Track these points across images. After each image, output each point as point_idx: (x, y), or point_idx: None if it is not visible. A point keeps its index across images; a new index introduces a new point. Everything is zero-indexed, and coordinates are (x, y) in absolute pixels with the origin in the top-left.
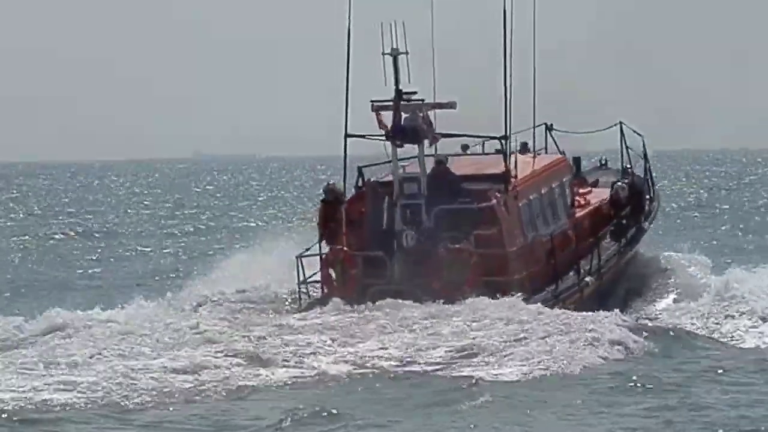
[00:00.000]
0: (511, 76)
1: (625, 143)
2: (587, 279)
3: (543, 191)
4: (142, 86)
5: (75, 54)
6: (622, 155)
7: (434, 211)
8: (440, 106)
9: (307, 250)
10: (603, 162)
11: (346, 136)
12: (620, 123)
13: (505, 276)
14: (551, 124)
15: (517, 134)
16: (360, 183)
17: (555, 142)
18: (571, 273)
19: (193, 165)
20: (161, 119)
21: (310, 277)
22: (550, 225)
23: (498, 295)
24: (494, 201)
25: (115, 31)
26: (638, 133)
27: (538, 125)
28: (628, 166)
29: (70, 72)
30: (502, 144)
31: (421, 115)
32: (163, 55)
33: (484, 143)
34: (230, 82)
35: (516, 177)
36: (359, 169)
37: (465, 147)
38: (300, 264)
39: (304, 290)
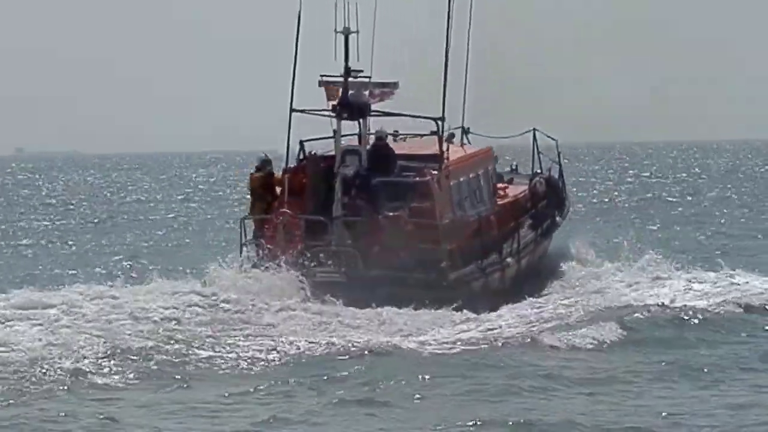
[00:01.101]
0: (447, 60)
1: (537, 149)
2: (508, 260)
3: (471, 175)
4: (142, 86)
5: (75, 54)
6: (533, 160)
7: (373, 182)
8: (384, 85)
9: (248, 214)
10: (514, 167)
11: (291, 110)
12: (534, 129)
13: (437, 246)
14: (468, 128)
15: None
16: (301, 156)
17: (468, 143)
18: (494, 254)
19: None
20: (161, 119)
21: (251, 239)
22: (475, 207)
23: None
24: (429, 177)
25: (115, 31)
26: (552, 138)
27: (456, 128)
28: (538, 170)
29: (70, 72)
30: (437, 125)
31: (366, 92)
32: (163, 55)
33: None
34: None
35: (448, 159)
36: (301, 142)
37: (396, 132)
38: (243, 226)
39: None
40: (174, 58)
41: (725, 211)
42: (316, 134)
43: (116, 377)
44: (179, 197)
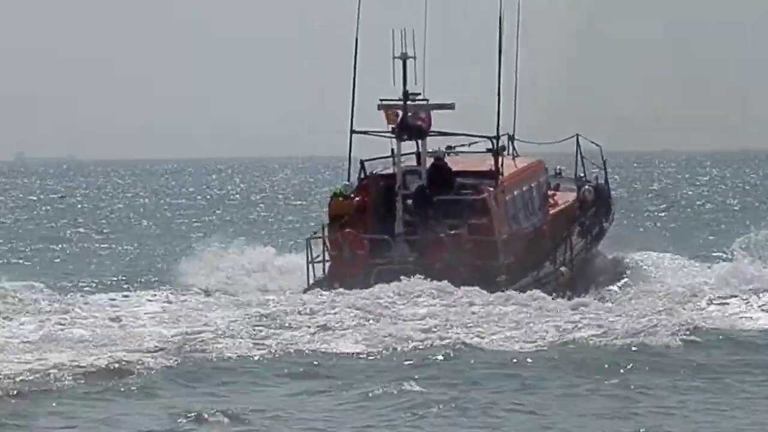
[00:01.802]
0: (500, 83)
1: (581, 153)
2: (562, 269)
3: (524, 189)
4: (142, 86)
5: (75, 54)
6: (576, 164)
7: (433, 200)
8: (441, 107)
9: (315, 233)
10: (558, 171)
11: (352, 132)
12: (576, 135)
13: (495, 261)
14: (513, 134)
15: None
16: (362, 175)
17: (515, 150)
18: (547, 263)
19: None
20: (161, 119)
21: (317, 257)
22: (529, 219)
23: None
24: (486, 194)
25: (114, 31)
26: (596, 144)
27: (502, 135)
28: (582, 175)
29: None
30: (492, 143)
31: (424, 114)
32: (163, 55)
33: (469, 144)
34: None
35: (503, 174)
36: (362, 162)
37: (449, 148)
38: (309, 246)
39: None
40: (174, 58)
41: None
42: (370, 154)
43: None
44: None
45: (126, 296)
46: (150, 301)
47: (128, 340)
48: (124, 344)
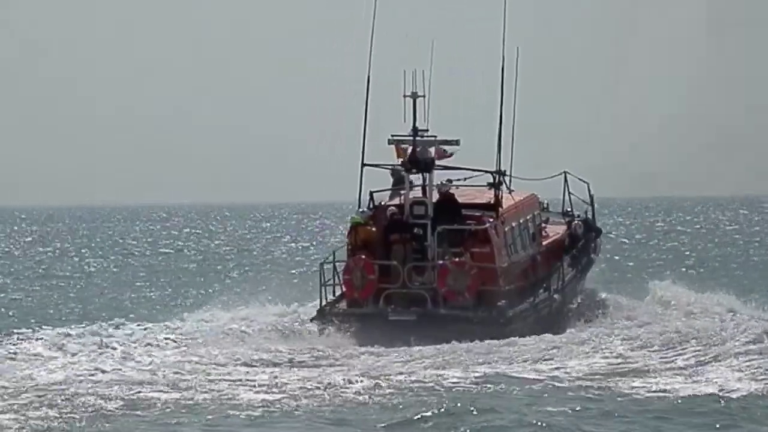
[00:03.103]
0: (501, 121)
1: (568, 190)
2: (555, 296)
3: (521, 220)
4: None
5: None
6: (563, 200)
7: (438, 230)
8: (447, 143)
9: (326, 259)
10: (545, 206)
11: (363, 165)
12: (564, 172)
13: (496, 286)
14: (504, 170)
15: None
16: (371, 206)
17: (508, 186)
18: (542, 290)
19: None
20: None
21: (328, 281)
22: (525, 249)
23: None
24: (487, 224)
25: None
26: (583, 180)
27: (495, 171)
28: (569, 209)
29: None
30: (494, 177)
31: (432, 148)
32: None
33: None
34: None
35: (502, 206)
36: (371, 193)
37: (449, 181)
38: (322, 269)
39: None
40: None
41: None
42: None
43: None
44: None
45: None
46: None
47: None
48: None
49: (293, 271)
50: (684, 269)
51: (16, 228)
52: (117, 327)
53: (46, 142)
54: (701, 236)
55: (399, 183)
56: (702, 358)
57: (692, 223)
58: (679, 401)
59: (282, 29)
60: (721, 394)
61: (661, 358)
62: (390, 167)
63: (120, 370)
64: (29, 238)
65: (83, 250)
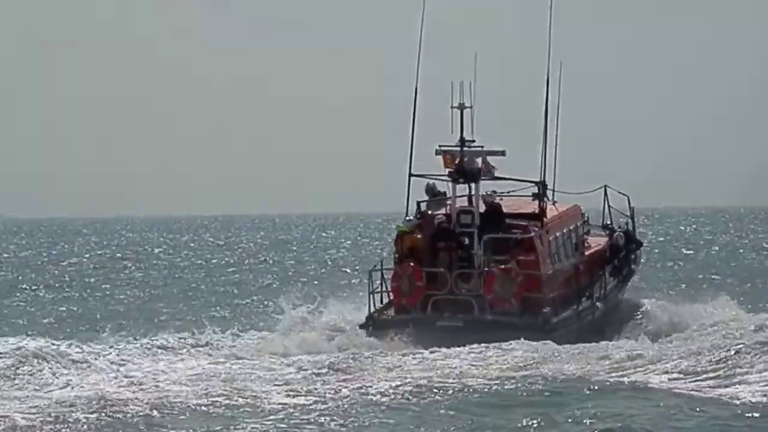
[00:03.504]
0: (546, 133)
1: (608, 203)
2: (597, 304)
3: (564, 230)
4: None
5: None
6: (603, 213)
7: (484, 238)
8: (493, 153)
9: (375, 267)
10: (585, 219)
11: (410, 175)
12: (605, 186)
13: (540, 294)
14: (545, 183)
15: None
16: (418, 215)
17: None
18: (584, 298)
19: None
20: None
21: (377, 288)
22: (568, 258)
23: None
24: (533, 233)
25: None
26: (623, 194)
27: (538, 182)
28: (609, 222)
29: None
30: (538, 187)
31: (480, 159)
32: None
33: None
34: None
35: (546, 216)
36: (418, 203)
37: (494, 192)
38: (371, 277)
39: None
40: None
41: None
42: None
43: None
44: None
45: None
46: None
47: None
48: None
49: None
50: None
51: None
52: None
53: None
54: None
55: (432, 193)
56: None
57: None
58: None
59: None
60: None
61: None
62: (433, 178)
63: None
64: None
65: None
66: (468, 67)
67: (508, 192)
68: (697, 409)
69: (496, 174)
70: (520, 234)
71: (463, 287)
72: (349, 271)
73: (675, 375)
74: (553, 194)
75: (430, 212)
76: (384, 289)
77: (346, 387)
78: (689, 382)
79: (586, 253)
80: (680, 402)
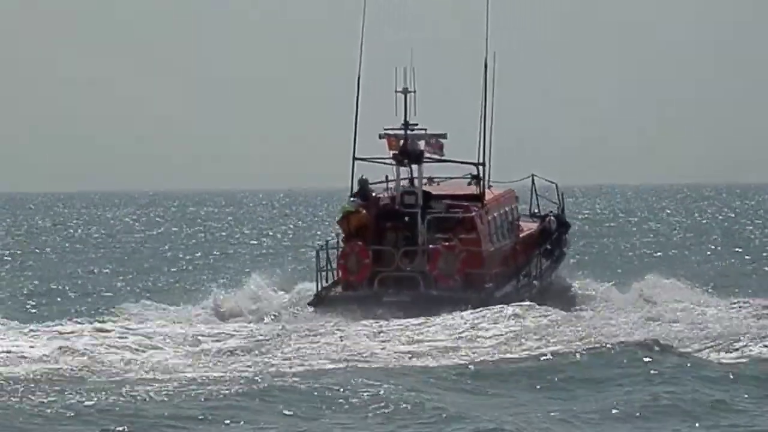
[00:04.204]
0: (485, 115)
1: (536, 191)
2: (534, 282)
3: (501, 212)
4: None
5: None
6: (531, 201)
7: (428, 217)
8: (435, 136)
9: (322, 246)
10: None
11: (354, 159)
12: (532, 175)
13: (483, 269)
14: (477, 173)
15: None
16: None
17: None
18: (522, 276)
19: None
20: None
21: (324, 267)
22: (505, 238)
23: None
24: (473, 213)
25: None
26: (551, 181)
27: (477, 163)
28: (536, 210)
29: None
30: (477, 169)
31: (422, 142)
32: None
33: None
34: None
35: (485, 198)
36: (360, 182)
37: (431, 179)
38: (318, 256)
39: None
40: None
41: None
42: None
43: None
44: None
45: None
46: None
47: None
48: None
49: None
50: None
51: None
52: None
53: None
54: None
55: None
56: None
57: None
58: None
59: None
60: None
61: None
62: (377, 161)
63: None
64: None
65: None
66: (410, 53)
67: (447, 179)
68: None
69: (437, 156)
70: (461, 213)
71: (408, 265)
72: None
73: None
74: (487, 180)
75: (374, 194)
76: (330, 267)
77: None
78: None
79: (521, 235)
80: None
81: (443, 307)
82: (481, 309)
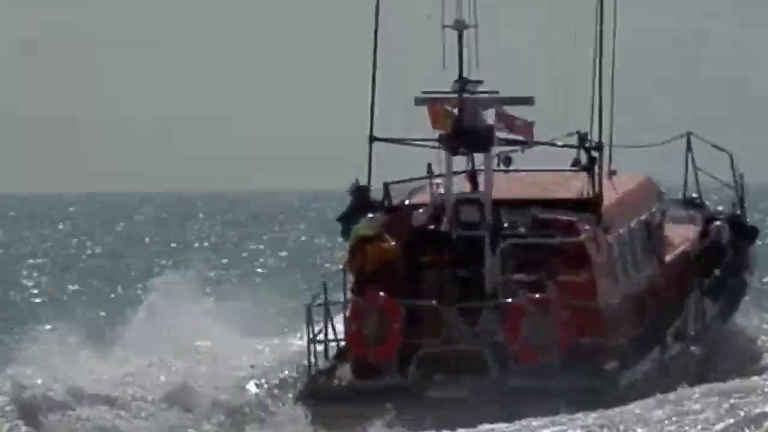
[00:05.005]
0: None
1: (694, 162)
2: (692, 348)
3: (634, 224)
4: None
5: None
6: (686, 178)
7: (504, 245)
8: (516, 101)
9: (318, 296)
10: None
11: (372, 139)
12: (688, 134)
13: (600, 337)
14: (585, 133)
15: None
16: (388, 205)
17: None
18: (670, 338)
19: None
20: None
21: (320, 332)
22: (642, 269)
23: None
24: (584, 235)
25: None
26: (721, 149)
27: (590, 146)
28: (695, 195)
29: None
30: (588, 154)
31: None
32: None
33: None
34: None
35: (603, 203)
36: (386, 186)
37: (508, 160)
38: (309, 316)
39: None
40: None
41: None
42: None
43: None
44: None
45: None
46: None
47: None
48: None
49: None
50: None
51: None
52: None
53: None
54: None
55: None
56: None
57: None
58: None
59: None
60: None
61: None
62: (414, 142)
63: None
64: None
65: None
66: None
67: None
68: None
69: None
70: (561, 237)
71: (468, 330)
72: None
73: None
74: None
75: (406, 203)
76: (333, 335)
77: None
78: None
79: (668, 257)
80: None
81: (530, 408)
82: (598, 410)
